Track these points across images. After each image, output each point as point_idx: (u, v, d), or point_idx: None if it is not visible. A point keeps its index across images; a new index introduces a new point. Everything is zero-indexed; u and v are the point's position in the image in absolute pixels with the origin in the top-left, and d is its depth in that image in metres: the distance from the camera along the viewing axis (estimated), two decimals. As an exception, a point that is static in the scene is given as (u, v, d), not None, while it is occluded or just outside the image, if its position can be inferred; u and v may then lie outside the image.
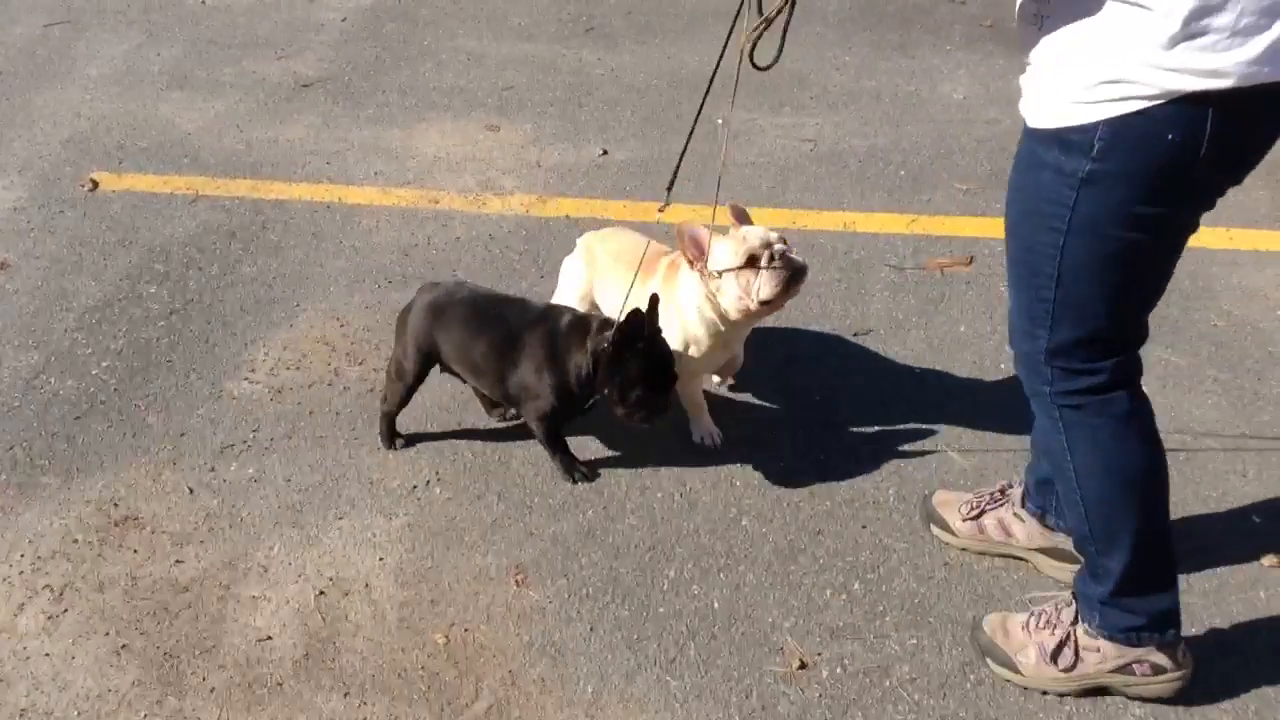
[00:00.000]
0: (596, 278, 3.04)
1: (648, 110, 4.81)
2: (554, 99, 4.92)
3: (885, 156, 4.46)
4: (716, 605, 2.59)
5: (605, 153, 4.49)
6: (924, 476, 2.93)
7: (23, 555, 2.71)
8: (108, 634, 2.52)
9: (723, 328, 2.80)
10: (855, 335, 3.45)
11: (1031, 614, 2.40)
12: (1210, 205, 1.97)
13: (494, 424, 3.09)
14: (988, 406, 3.15)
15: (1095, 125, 1.85)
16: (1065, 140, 1.90)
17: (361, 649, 2.49)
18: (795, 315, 3.16)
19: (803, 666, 2.44)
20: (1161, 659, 2.28)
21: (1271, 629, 2.51)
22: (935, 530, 2.74)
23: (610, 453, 3.02)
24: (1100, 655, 2.30)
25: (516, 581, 2.65)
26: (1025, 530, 2.64)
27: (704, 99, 2.42)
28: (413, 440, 3.04)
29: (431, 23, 5.68)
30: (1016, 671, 2.37)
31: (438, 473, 2.95)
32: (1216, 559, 2.62)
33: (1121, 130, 1.83)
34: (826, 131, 4.64)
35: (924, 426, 3.09)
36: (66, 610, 2.58)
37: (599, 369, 2.69)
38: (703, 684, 2.41)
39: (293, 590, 2.63)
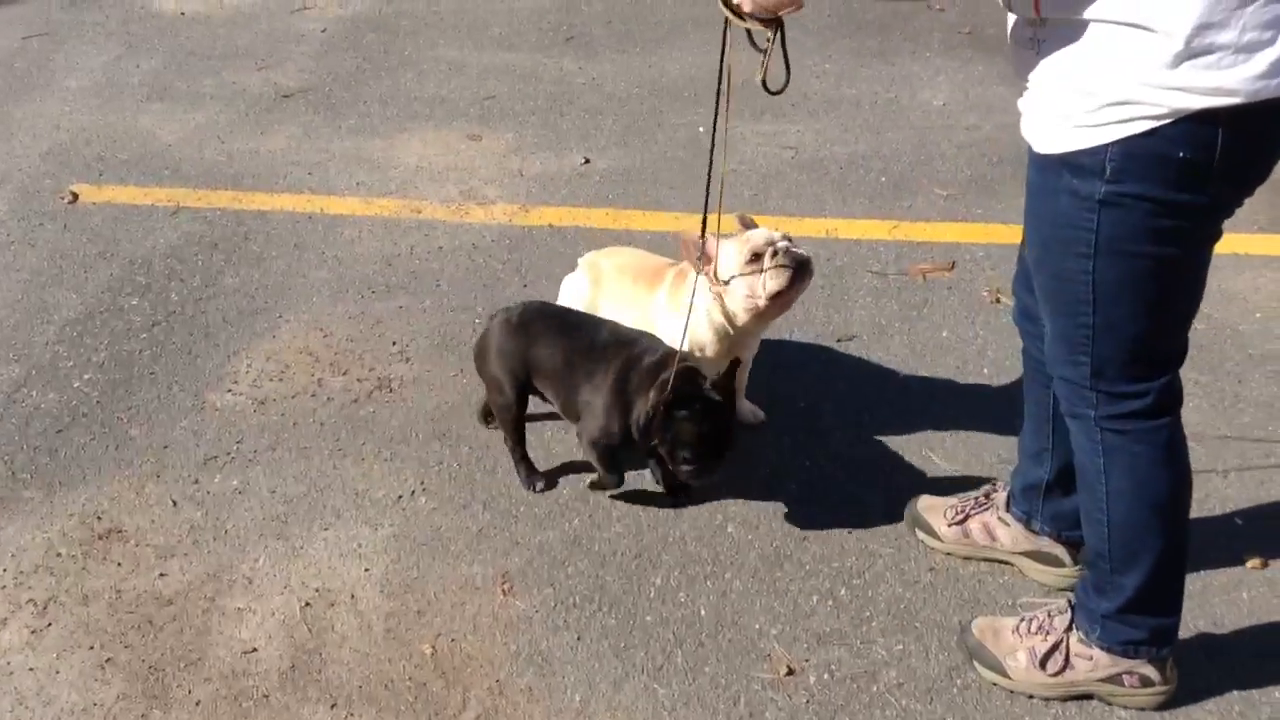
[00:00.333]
0: (602, 293, 3.04)
1: (629, 119, 4.82)
2: (535, 108, 4.93)
3: (866, 163, 4.48)
4: (703, 612, 2.59)
5: (587, 161, 4.49)
6: (908, 482, 2.93)
7: (5, 570, 2.69)
8: (92, 648, 2.51)
9: (731, 331, 2.81)
10: (839, 341, 3.46)
11: (1022, 619, 2.41)
12: (1230, 213, 1.96)
13: (479, 433, 3.09)
14: (971, 411, 3.16)
15: (1105, 147, 1.84)
16: (1076, 164, 1.89)
17: (348, 660, 2.48)
18: (779, 321, 3.16)
19: (790, 673, 2.45)
20: (1151, 672, 2.29)
21: (1255, 630, 2.52)
22: (920, 535, 2.75)
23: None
24: (1092, 664, 2.31)
25: (503, 591, 2.64)
26: (1010, 534, 2.65)
27: (715, 115, 2.39)
28: (551, 481, 2.95)
29: (412, 33, 5.68)
30: (1004, 675, 2.37)
31: (423, 483, 2.94)
32: (1200, 561, 2.62)
33: (1133, 151, 1.82)
34: (807, 139, 4.66)
35: (908, 432, 3.10)
36: (50, 624, 2.56)
37: (654, 422, 2.58)
38: (690, 691, 2.41)
39: (278, 602, 2.62)
